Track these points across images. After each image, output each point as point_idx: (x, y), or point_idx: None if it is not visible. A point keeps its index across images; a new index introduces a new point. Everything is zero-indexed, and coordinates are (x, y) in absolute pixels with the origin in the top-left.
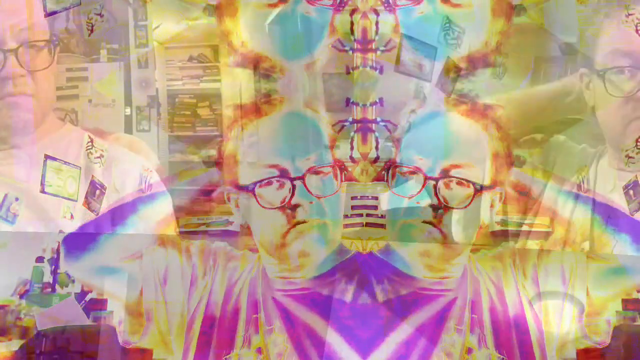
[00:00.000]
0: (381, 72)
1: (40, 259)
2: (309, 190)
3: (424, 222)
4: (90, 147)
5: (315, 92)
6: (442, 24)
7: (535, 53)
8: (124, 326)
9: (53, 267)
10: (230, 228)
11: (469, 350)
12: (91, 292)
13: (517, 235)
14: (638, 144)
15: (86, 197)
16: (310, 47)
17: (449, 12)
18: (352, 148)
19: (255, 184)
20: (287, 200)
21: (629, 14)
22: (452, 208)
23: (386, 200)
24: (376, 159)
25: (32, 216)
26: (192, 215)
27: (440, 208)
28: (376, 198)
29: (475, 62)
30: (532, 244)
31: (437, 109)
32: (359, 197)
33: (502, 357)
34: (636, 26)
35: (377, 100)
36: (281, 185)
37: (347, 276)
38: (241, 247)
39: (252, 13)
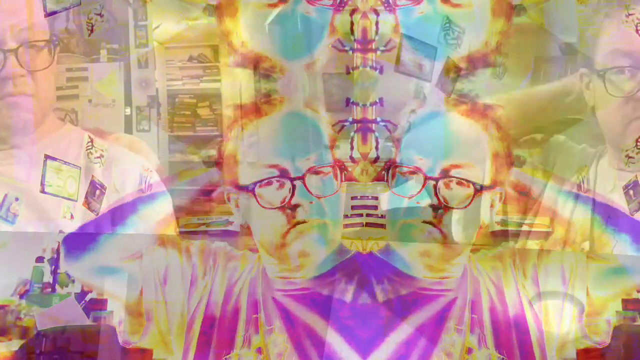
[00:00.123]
0: (381, 72)
1: (40, 259)
2: (309, 190)
3: (424, 222)
4: (90, 147)
5: (315, 92)
6: (442, 24)
7: (535, 53)
8: (124, 326)
9: (53, 267)
10: (230, 228)
11: (469, 350)
12: (91, 292)
13: (517, 235)
14: (638, 144)
15: (86, 197)
16: (310, 47)
17: (449, 12)
18: (352, 148)
19: (255, 184)
20: (287, 200)
21: (629, 14)
22: (452, 208)
23: (386, 200)
24: (376, 159)
25: (32, 216)
26: (192, 215)
27: (440, 208)
28: (376, 198)
29: (475, 62)
30: (532, 244)
31: (437, 109)
32: (359, 197)
33: (502, 357)
34: (636, 26)
35: (377, 100)
36: (281, 185)
37: (347, 276)
38: (241, 247)
39: (252, 13)
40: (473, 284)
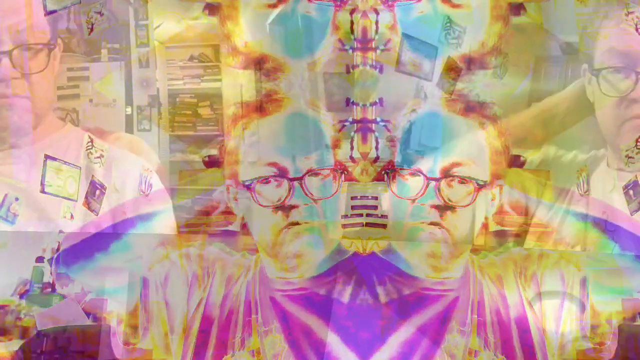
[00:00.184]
0: (381, 71)
1: (40, 259)
2: (305, 193)
3: (431, 223)
4: (90, 147)
5: (316, 91)
6: (442, 23)
7: (536, 52)
8: (124, 327)
9: (53, 267)
10: (230, 228)
11: (475, 353)
12: (91, 292)
13: (517, 235)
14: (638, 144)
15: (86, 197)
16: (311, 47)
17: (449, 12)
18: (352, 148)
19: (253, 180)
20: (284, 200)
21: (629, 12)
22: (457, 207)
23: (389, 203)
24: (376, 159)
25: (32, 216)
26: (192, 215)
27: (445, 208)
28: (376, 198)
29: (475, 62)
30: (533, 245)
31: (437, 108)
32: (359, 197)
33: (503, 357)
34: (636, 25)
35: (377, 101)
36: (279, 185)
37: (345, 276)
38: (241, 247)
39: (252, 13)
40: (474, 284)
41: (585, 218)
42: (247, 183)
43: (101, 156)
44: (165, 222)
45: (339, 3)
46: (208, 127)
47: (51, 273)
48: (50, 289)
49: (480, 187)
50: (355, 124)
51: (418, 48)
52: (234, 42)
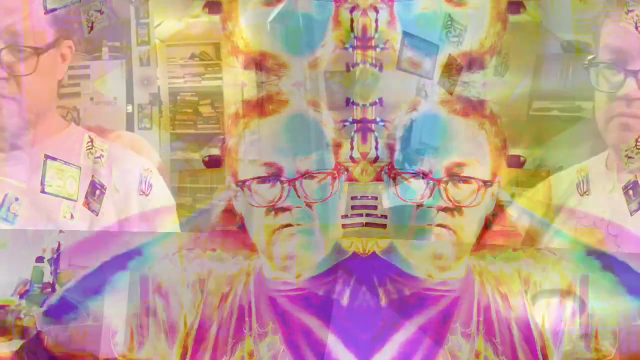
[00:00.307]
0: (381, 69)
1: (40, 259)
2: (298, 195)
3: (438, 225)
4: (90, 147)
5: (317, 90)
6: (443, 21)
7: (537, 50)
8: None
9: (53, 267)
10: (230, 228)
11: (477, 353)
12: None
13: (517, 234)
14: (638, 143)
15: (86, 197)
16: (312, 45)
17: (450, 11)
18: (352, 148)
19: (247, 180)
20: (278, 200)
21: (629, 11)
22: (464, 207)
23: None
24: (376, 159)
25: (32, 216)
26: (193, 214)
27: (452, 209)
28: (376, 198)
29: (476, 60)
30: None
31: (437, 106)
32: (359, 197)
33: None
34: (635, 23)
35: (377, 100)
36: (273, 185)
37: (345, 277)
38: (241, 246)
39: (252, 12)
40: (476, 285)
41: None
42: (240, 182)
43: (101, 156)
44: (167, 221)
45: (339, 1)
46: (209, 126)
47: (51, 273)
48: (50, 289)
49: (486, 185)
50: (355, 124)
51: (418, 46)
52: (235, 41)
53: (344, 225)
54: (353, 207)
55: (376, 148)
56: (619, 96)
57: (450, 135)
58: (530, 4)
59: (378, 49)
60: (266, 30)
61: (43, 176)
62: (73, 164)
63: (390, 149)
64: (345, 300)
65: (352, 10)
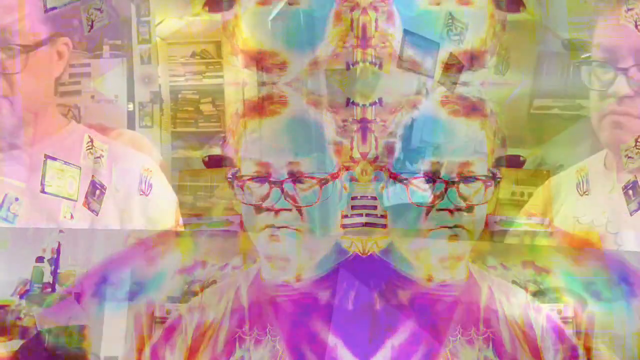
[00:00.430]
0: (380, 67)
1: (40, 259)
2: (286, 198)
3: (455, 226)
4: (90, 147)
5: (318, 89)
6: (444, 19)
7: (538, 49)
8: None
9: (53, 267)
10: (230, 228)
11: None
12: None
13: (517, 235)
14: (637, 143)
15: (86, 197)
16: (313, 43)
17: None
18: (351, 148)
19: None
20: (267, 201)
21: (629, 9)
22: (474, 205)
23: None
24: (375, 159)
25: (32, 216)
26: (192, 214)
27: (463, 209)
28: (376, 198)
29: (477, 58)
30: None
31: (438, 106)
32: (359, 197)
33: None
34: (635, 21)
35: (377, 101)
36: (262, 185)
37: (345, 279)
38: (241, 246)
39: (253, 10)
40: (478, 286)
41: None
42: (230, 179)
43: (101, 156)
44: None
45: None
46: (210, 124)
47: (51, 273)
48: (50, 289)
49: (494, 181)
50: (355, 124)
51: (419, 44)
52: (236, 39)
53: (344, 225)
54: (353, 207)
55: (376, 148)
56: (610, 94)
57: (451, 134)
58: (529, 2)
59: (378, 47)
60: (267, 28)
61: (43, 176)
62: (73, 164)
63: (391, 148)
64: (345, 303)
65: (352, 8)
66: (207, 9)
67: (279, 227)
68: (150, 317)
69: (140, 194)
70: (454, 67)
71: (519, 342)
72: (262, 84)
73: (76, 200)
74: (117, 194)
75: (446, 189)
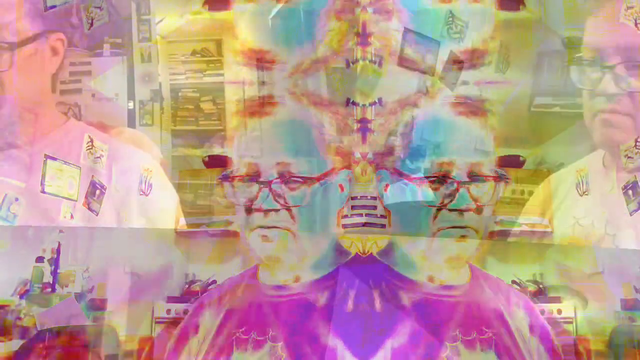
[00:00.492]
0: (380, 65)
1: (40, 259)
2: (274, 198)
3: (466, 226)
4: (90, 147)
5: (319, 88)
6: (445, 17)
7: (538, 47)
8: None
9: (53, 267)
10: (230, 228)
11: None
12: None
13: (517, 235)
14: (637, 143)
15: (86, 197)
16: (313, 41)
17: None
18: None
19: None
20: (253, 201)
21: (629, 7)
22: (484, 205)
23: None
24: (375, 159)
25: (32, 217)
26: (192, 214)
27: (476, 209)
28: (376, 198)
29: (477, 56)
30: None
31: (439, 105)
32: (359, 197)
33: None
34: (635, 20)
35: (377, 101)
36: (250, 185)
37: (345, 280)
38: (240, 247)
39: (254, 9)
40: (480, 288)
41: None
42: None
43: (101, 156)
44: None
45: None
46: (210, 122)
47: (51, 273)
48: (50, 289)
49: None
50: (355, 124)
51: (420, 42)
52: (236, 37)
53: (344, 225)
54: (353, 207)
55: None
56: (599, 93)
57: (452, 133)
58: (529, 1)
59: (378, 45)
60: (268, 26)
61: (43, 176)
62: (73, 164)
63: (391, 147)
64: (345, 303)
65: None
66: (207, 7)
67: (268, 228)
68: (150, 317)
69: (141, 194)
70: (454, 65)
71: (520, 344)
72: (262, 83)
73: (76, 200)
74: (117, 194)
75: (457, 189)
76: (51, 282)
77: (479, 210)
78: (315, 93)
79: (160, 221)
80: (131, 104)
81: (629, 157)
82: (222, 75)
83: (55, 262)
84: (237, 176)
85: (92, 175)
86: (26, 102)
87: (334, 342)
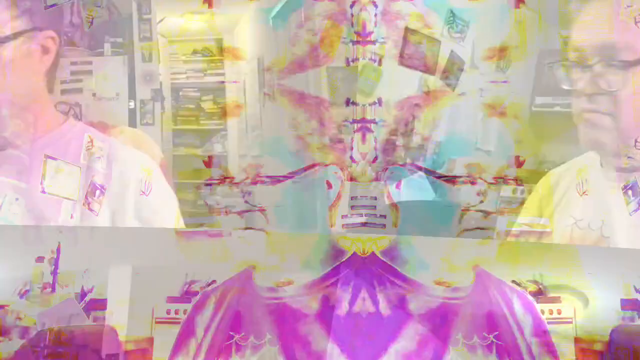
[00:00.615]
0: (379, 64)
1: (40, 259)
2: (245, 200)
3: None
4: (90, 147)
5: (319, 86)
6: (446, 17)
7: (539, 46)
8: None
9: (53, 267)
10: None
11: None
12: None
13: (517, 235)
14: (637, 143)
15: (86, 197)
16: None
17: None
18: (351, 148)
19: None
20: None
21: (629, 6)
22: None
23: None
24: (375, 159)
25: (32, 216)
26: (192, 214)
27: (496, 212)
28: (375, 198)
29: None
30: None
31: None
32: (359, 197)
33: None
34: (635, 18)
35: (377, 101)
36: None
37: (344, 281)
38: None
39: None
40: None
41: None
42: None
43: (101, 156)
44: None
45: None
46: (211, 121)
47: (51, 273)
48: (50, 289)
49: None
50: (355, 124)
51: (421, 42)
52: (236, 37)
53: (344, 225)
54: (353, 207)
55: (375, 148)
56: (579, 92)
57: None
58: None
59: (378, 44)
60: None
61: (43, 176)
62: (73, 164)
63: (391, 146)
64: (345, 306)
65: (352, 5)
66: (206, 5)
67: (244, 229)
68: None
69: (141, 194)
70: (455, 64)
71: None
72: (263, 80)
73: (76, 200)
74: (117, 194)
75: (488, 191)
76: (51, 282)
77: (501, 212)
78: (317, 92)
79: (160, 221)
80: (132, 104)
81: (629, 157)
82: (222, 74)
83: (55, 262)
84: (215, 179)
85: (92, 176)
86: (22, 101)
87: (333, 346)
